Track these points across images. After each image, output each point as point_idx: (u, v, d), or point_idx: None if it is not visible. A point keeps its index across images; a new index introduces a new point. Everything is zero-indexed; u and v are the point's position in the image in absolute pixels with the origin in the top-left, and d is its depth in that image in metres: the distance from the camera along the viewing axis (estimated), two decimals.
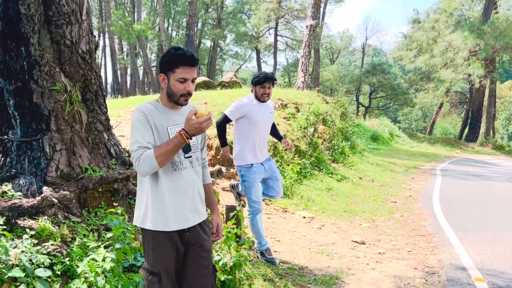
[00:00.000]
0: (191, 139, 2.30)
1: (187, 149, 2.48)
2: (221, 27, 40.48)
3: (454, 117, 48.13)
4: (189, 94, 2.41)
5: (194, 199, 2.53)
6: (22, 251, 2.98)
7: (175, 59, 2.34)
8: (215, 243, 4.12)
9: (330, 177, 10.55)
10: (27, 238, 3.16)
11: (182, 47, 2.62)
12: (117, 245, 3.23)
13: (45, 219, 3.45)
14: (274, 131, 5.02)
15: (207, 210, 2.87)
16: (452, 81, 29.70)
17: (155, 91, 28.17)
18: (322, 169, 10.81)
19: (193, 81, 2.41)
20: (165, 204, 2.41)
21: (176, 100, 2.41)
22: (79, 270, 3.05)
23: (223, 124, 4.61)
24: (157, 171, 2.37)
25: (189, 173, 2.49)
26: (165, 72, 2.38)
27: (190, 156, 2.50)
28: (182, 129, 2.27)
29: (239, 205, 4.83)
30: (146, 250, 2.49)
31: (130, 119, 2.44)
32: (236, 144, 4.65)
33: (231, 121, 4.61)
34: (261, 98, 4.54)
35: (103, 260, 3.08)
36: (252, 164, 4.59)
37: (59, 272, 3.08)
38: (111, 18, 31.25)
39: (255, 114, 4.51)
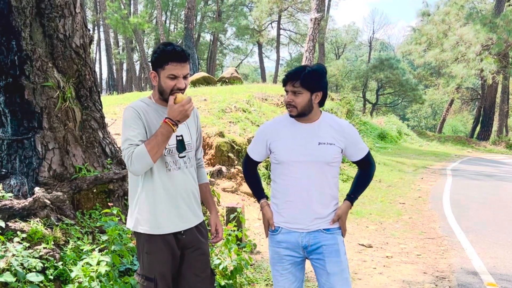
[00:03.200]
0: (177, 126, 2.30)
1: (181, 148, 2.48)
2: (221, 20, 40.45)
3: (465, 115, 48.04)
4: (179, 90, 2.39)
5: (190, 201, 2.52)
6: (13, 255, 2.98)
7: (164, 55, 2.34)
8: (215, 245, 4.12)
9: None
10: (19, 241, 3.16)
11: (180, 41, 2.64)
12: (113, 247, 3.23)
13: (37, 221, 3.44)
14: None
15: (206, 212, 2.86)
16: (463, 77, 29.59)
17: (151, 87, 28.17)
18: None
19: (185, 77, 2.40)
20: (159, 206, 2.40)
21: (167, 97, 2.41)
22: (72, 275, 3.06)
23: (248, 170, 2.94)
24: (151, 171, 2.38)
25: (184, 174, 2.49)
26: (156, 69, 2.39)
27: (185, 156, 2.50)
28: (166, 117, 2.29)
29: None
30: (141, 254, 2.48)
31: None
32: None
33: (256, 162, 2.87)
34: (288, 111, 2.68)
35: (98, 264, 3.08)
36: (277, 229, 2.72)
37: (51, 277, 3.08)
38: (106, 11, 31.25)
39: (279, 145, 2.68)
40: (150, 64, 2.46)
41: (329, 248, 2.62)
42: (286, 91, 2.62)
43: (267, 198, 2.83)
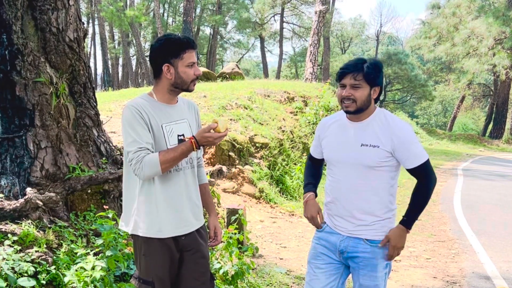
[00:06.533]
0: (199, 149, 2.35)
1: None
2: (222, 13, 40.41)
3: (477, 112, 47.97)
4: (198, 78, 2.48)
5: (191, 203, 2.52)
6: (4, 259, 2.97)
7: (181, 43, 2.40)
8: (215, 249, 4.12)
9: None
10: (9, 244, 3.16)
11: (178, 33, 2.66)
12: (108, 252, 3.22)
13: (29, 223, 3.44)
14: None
15: (205, 214, 2.85)
16: (475, 72, 29.56)
17: (149, 83, 28.19)
18: None
19: None
20: (159, 209, 2.40)
21: (187, 87, 2.46)
22: (66, 280, 3.05)
23: (307, 163, 3.01)
24: None
25: (186, 175, 2.49)
26: (170, 60, 2.39)
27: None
28: (193, 136, 2.32)
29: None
30: (138, 257, 2.48)
31: (121, 115, 2.43)
32: None
33: (316, 159, 2.90)
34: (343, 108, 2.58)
35: (93, 268, 3.07)
36: (323, 226, 2.75)
37: (44, 282, 3.07)
38: (101, 3, 31.26)
39: (325, 142, 2.72)
40: (156, 57, 2.45)
41: (365, 261, 2.56)
42: (342, 85, 2.50)
43: (316, 194, 2.81)
